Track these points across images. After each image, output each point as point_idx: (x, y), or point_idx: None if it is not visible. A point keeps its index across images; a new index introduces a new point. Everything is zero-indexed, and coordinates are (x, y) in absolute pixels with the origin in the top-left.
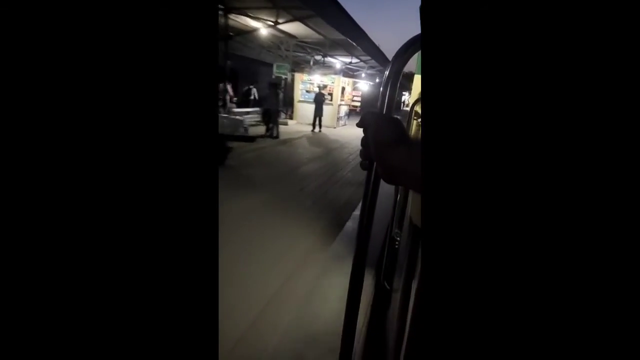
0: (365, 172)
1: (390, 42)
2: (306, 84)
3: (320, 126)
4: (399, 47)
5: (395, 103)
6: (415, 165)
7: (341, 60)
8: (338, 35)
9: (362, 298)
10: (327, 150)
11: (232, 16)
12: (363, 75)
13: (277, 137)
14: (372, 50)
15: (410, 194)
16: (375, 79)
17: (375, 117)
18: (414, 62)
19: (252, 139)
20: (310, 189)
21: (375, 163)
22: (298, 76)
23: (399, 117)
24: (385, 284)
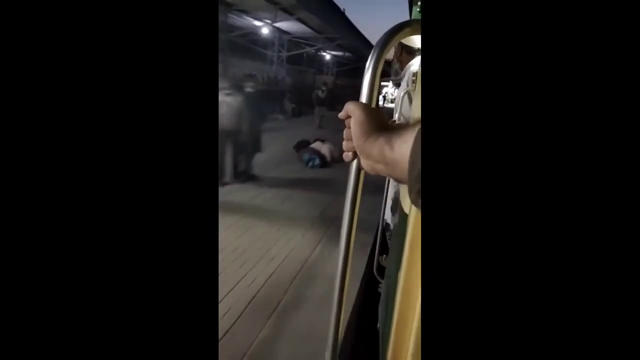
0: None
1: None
2: None
3: None
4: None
5: (378, 93)
6: (395, 156)
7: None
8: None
9: (353, 288)
10: None
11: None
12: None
13: None
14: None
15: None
16: None
17: (357, 107)
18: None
19: None
20: None
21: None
22: None
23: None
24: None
